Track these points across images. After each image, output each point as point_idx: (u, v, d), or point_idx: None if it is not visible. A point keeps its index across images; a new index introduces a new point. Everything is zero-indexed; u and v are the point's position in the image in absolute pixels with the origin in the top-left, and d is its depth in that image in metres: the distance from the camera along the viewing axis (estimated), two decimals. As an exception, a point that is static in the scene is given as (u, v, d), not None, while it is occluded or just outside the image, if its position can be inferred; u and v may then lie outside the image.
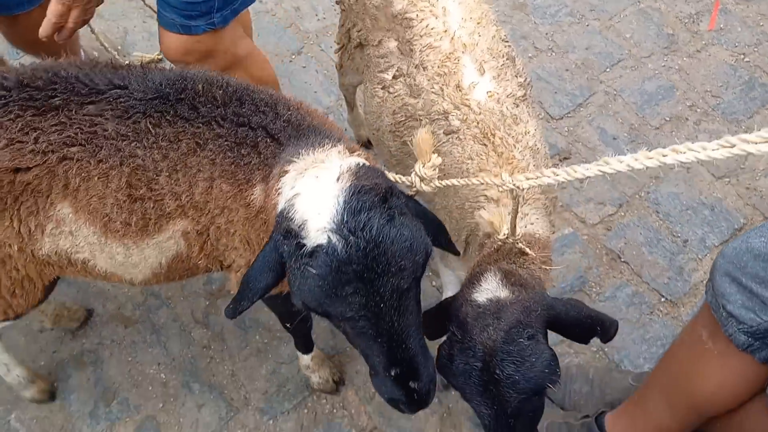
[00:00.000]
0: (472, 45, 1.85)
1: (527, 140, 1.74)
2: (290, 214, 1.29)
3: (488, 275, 1.50)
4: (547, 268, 1.66)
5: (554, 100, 3.25)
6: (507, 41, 1.97)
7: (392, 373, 1.34)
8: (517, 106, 1.80)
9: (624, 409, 2.05)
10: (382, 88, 2.02)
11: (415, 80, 1.88)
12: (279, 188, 1.39)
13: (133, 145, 1.53)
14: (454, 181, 1.58)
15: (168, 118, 1.53)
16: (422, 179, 1.55)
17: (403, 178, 1.62)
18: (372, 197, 1.27)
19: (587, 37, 3.48)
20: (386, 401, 1.42)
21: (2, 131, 1.48)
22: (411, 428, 2.41)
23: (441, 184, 1.57)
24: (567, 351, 2.52)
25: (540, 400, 1.45)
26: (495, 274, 1.50)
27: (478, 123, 1.73)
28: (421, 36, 1.89)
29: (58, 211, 1.56)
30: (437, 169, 1.53)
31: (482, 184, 1.55)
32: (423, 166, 1.53)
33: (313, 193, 1.30)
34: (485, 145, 1.71)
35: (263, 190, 1.48)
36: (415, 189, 1.58)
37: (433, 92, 1.83)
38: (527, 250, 1.58)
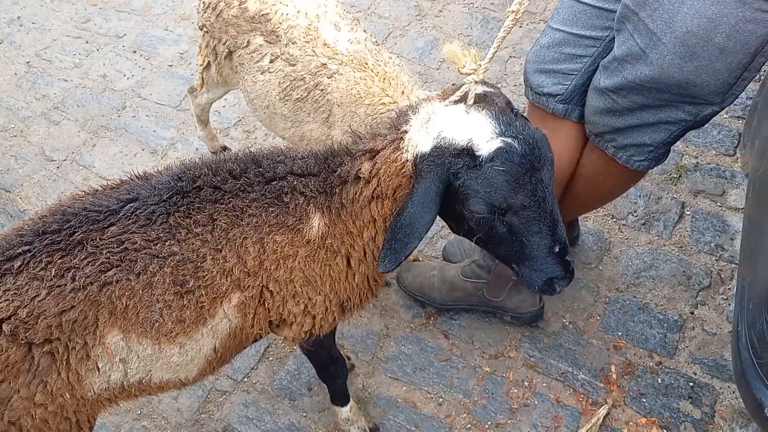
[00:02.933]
0: (323, 14, 2.51)
1: (393, 61, 2.43)
2: (446, 144, 1.54)
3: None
4: None
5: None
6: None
7: (556, 250, 1.60)
8: (377, 44, 2.50)
9: None
10: (261, 73, 2.58)
11: (290, 54, 2.49)
12: (405, 145, 1.60)
13: (167, 244, 1.56)
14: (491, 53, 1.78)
15: (195, 206, 1.59)
16: (474, 72, 1.74)
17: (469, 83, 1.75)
18: (509, 110, 1.63)
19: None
20: (542, 286, 1.65)
21: (39, 282, 1.48)
22: None
23: (487, 65, 1.76)
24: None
25: None
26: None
27: (352, 60, 2.36)
28: (280, 23, 2.50)
29: (108, 342, 1.57)
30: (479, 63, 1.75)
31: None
32: (465, 67, 1.74)
33: (458, 122, 1.56)
34: (364, 70, 2.35)
35: (324, 215, 1.66)
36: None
37: (307, 56, 2.44)
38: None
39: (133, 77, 4.15)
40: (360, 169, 1.67)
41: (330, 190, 1.72)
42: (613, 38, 2.13)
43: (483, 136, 1.53)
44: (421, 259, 3.14)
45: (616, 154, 2.28)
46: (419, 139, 1.59)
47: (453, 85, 2.16)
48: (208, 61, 2.88)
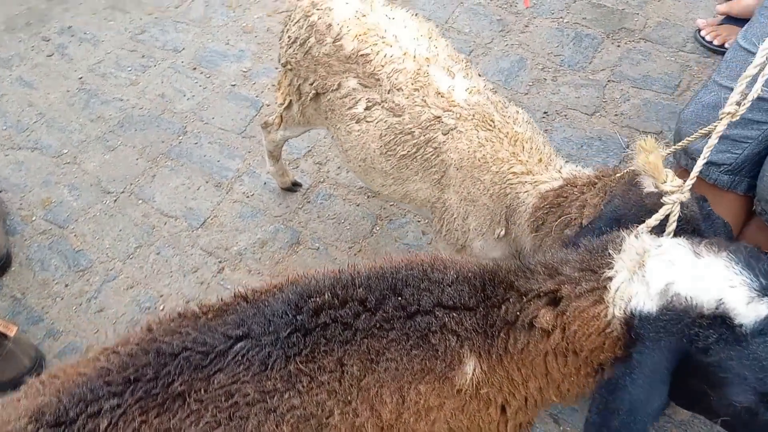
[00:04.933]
0: (433, 57, 2.14)
1: (521, 117, 2.06)
2: (682, 305, 1.16)
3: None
4: None
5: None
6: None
7: None
8: (496, 92, 2.13)
9: None
10: (357, 122, 2.23)
11: (394, 102, 2.13)
12: (610, 298, 1.23)
13: (286, 397, 1.28)
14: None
15: (321, 348, 1.31)
16: (673, 192, 1.47)
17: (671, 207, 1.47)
18: (756, 252, 1.20)
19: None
20: None
21: None
22: None
23: (689, 185, 1.49)
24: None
25: None
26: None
27: (474, 115, 2.01)
28: (383, 66, 2.14)
29: None
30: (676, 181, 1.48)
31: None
32: (665, 183, 1.46)
33: (692, 271, 1.18)
34: (490, 129, 1.99)
35: (481, 361, 1.35)
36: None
37: (416, 105, 2.08)
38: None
39: (193, 98, 3.83)
40: (537, 316, 1.31)
41: (490, 331, 1.37)
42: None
43: (739, 295, 1.14)
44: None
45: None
46: (635, 293, 1.21)
47: (614, 169, 1.77)
48: (290, 101, 2.54)
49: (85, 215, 3.32)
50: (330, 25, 2.22)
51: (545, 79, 3.73)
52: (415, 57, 2.12)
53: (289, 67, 2.42)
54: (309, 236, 3.18)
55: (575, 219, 1.74)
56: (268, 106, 3.74)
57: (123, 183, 3.44)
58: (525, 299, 1.34)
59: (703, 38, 3.78)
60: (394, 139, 2.13)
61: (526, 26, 4.03)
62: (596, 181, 1.74)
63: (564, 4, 4.10)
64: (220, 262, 3.09)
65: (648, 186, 1.59)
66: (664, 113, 3.49)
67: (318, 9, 2.27)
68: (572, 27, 3.98)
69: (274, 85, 3.54)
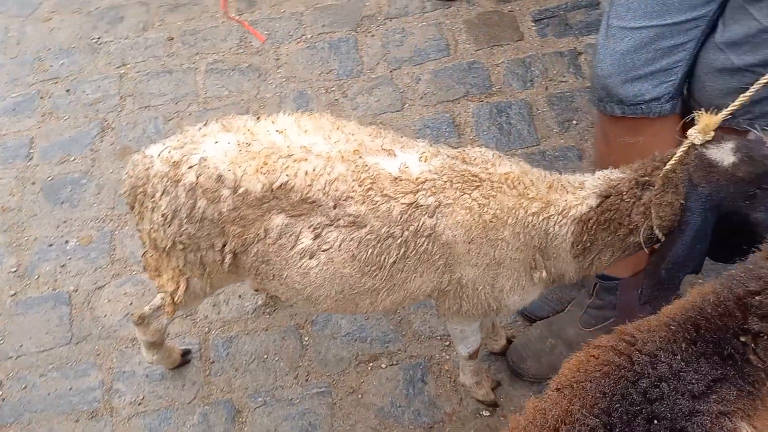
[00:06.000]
0: (360, 146, 1.78)
1: (490, 155, 1.81)
2: None
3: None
4: None
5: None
6: None
7: None
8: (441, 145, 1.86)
9: None
10: (310, 258, 1.80)
11: (349, 214, 1.74)
12: None
13: None
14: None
15: None
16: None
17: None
18: None
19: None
20: None
21: None
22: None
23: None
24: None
25: None
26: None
27: (449, 180, 1.73)
28: (310, 185, 1.73)
29: None
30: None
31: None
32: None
33: None
34: (479, 185, 1.72)
35: (753, 417, 1.22)
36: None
37: (379, 205, 1.73)
38: None
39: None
40: None
41: (750, 389, 1.19)
42: (720, 6, 1.81)
43: None
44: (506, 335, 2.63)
45: (752, 124, 2.00)
46: None
47: (654, 158, 1.66)
48: (187, 280, 1.99)
49: None
50: (219, 175, 1.74)
51: (337, 99, 3.51)
52: (342, 156, 1.76)
53: (179, 247, 1.86)
54: (245, 397, 2.62)
55: (642, 225, 1.61)
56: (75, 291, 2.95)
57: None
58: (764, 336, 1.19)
59: (434, -7, 3.86)
60: (372, 252, 1.77)
61: (278, 59, 3.72)
62: (642, 178, 1.62)
63: (294, 22, 3.87)
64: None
65: (719, 156, 1.51)
66: (457, 74, 3.52)
67: (188, 167, 1.76)
68: (319, 39, 3.78)
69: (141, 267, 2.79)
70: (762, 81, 1.40)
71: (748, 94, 1.43)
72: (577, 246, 1.73)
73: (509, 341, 2.58)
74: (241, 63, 3.71)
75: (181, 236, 1.83)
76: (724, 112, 1.47)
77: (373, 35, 3.76)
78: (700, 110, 2.01)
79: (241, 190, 1.74)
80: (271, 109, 3.47)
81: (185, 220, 1.80)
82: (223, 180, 1.74)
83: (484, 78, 3.48)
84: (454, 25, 3.75)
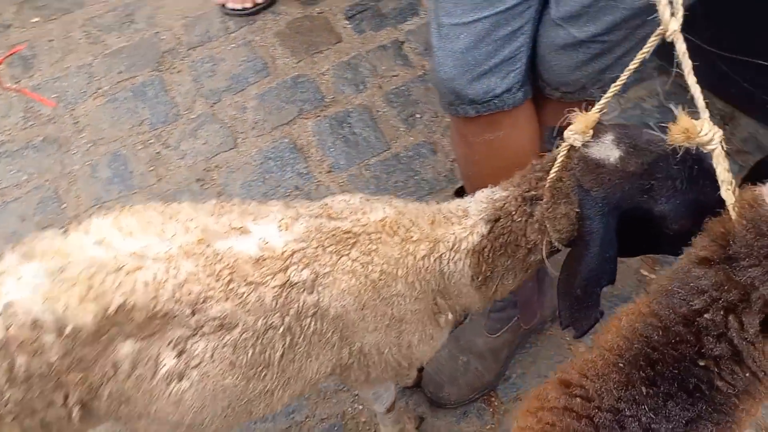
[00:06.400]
0: (205, 232, 1.46)
1: (358, 202, 1.56)
2: None
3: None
4: None
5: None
6: None
7: None
8: (301, 202, 1.58)
9: None
10: (180, 380, 1.46)
11: (213, 317, 1.43)
12: None
13: None
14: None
15: None
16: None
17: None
18: None
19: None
20: None
21: None
22: None
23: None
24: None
25: None
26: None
27: (320, 245, 1.46)
28: (155, 297, 1.40)
29: None
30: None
31: None
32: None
33: None
34: (355, 241, 1.45)
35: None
36: None
37: (246, 296, 1.43)
38: None
39: None
40: None
41: (725, 417, 1.05)
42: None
43: None
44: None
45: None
46: None
47: (532, 167, 1.47)
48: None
49: None
50: (34, 320, 1.34)
51: (159, 152, 3.10)
52: (185, 252, 1.43)
53: (9, 418, 1.44)
54: None
55: (540, 242, 1.45)
56: None
57: None
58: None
59: (232, 9, 3.55)
60: (254, 351, 1.48)
61: (76, 122, 3.22)
62: (527, 194, 1.44)
63: (85, 76, 3.37)
64: None
65: (603, 154, 1.35)
66: (284, 93, 3.24)
67: (-13, 320, 1.35)
68: (119, 88, 3.33)
69: None
70: (632, 67, 1.26)
71: (619, 83, 1.28)
72: (478, 278, 1.54)
73: (420, 369, 2.39)
74: (33, 138, 3.17)
75: (6, 405, 1.42)
76: (598, 107, 1.33)
77: (179, 71, 3.37)
78: (552, 90, 1.93)
79: (68, 330, 1.36)
80: (84, 183, 2.99)
81: (6, 386, 1.39)
82: (41, 324, 1.35)
83: (314, 91, 3.23)
84: (265, 40, 3.45)
